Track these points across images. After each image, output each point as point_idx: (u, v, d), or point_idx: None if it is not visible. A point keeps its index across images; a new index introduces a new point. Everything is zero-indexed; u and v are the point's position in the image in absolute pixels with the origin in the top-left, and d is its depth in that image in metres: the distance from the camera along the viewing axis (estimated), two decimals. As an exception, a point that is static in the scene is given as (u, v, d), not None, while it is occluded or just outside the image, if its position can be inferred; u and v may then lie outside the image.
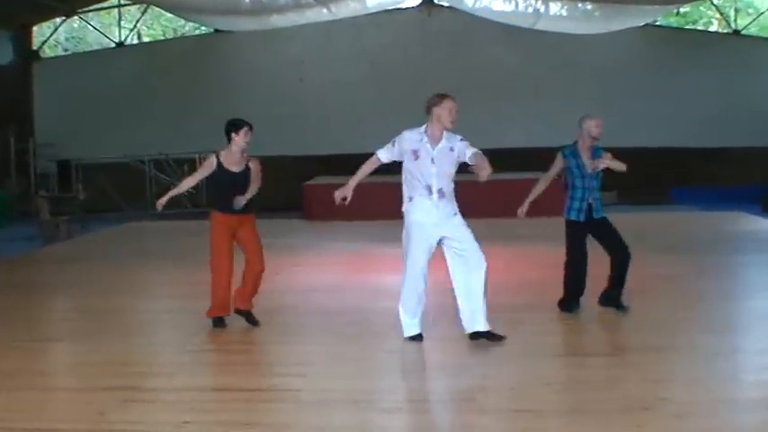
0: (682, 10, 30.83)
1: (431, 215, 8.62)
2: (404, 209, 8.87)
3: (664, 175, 26.36)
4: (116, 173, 27.31)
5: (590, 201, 9.86)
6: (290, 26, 24.28)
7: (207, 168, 9.54)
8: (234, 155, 9.48)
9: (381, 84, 26.83)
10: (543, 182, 10.18)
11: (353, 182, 9.04)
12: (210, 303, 9.63)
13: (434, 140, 8.66)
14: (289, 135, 26.62)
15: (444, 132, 8.68)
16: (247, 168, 9.56)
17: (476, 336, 8.66)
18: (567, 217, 9.98)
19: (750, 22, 30.79)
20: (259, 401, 6.99)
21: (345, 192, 9.01)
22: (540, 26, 23.28)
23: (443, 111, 8.61)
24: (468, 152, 8.65)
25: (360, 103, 26.73)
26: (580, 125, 9.86)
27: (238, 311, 9.69)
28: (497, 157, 26.51)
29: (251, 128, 9.53)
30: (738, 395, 7.03)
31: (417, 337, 8.81)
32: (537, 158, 25.81)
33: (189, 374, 7.87)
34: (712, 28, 34.31)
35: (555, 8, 23.48)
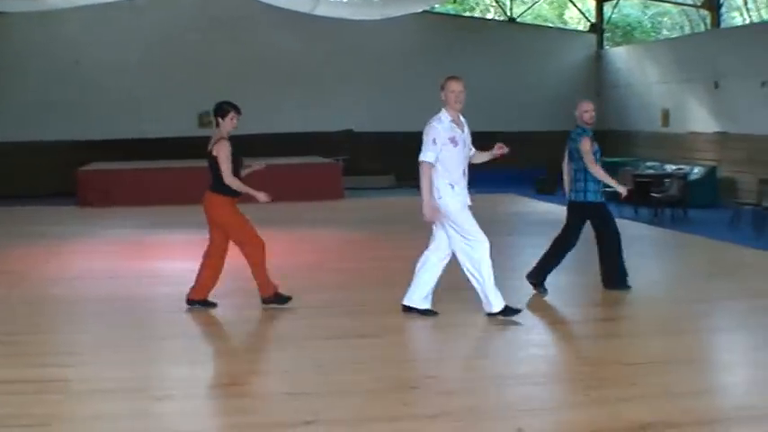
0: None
1: (466, 197, 8.76)
2: (443, 198, 8.67)
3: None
4: None
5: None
6: (66, 7, 23.53)
7: (230, 153, 9.38)
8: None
9: (160, 68, 26.33)
10: (601, 171, 9.92)
11: (426, 195, 8.62)
12: (259, 283, 9.33)
13: (459, 124, 8.74)
14: (64, 120, 25.79)
15: (459, 115, 8.77)
16: None
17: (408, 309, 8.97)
18: (587, 199, 9.98)
19: (525, 11, 31.71)
20: (28, 393, 6.74)
21: (434, 211, 8.66)
22: (320, 12, 23.31)
23: (449, 93, 8.68)
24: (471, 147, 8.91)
25: (138, 87, 26.14)
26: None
27: (190, 302, 9.38)
28: (277, 142, 26.61)
29: (238, 111, 9.43)
30: (505, 371, 7.26)
31: (510, 311, 8.70)
32: (315, 143, 26.12)
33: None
34: (489, 15, 35.25)
35: (334, -6, 23.66)
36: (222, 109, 9.40)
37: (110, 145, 25.09)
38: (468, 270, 8.70)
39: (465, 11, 35.46)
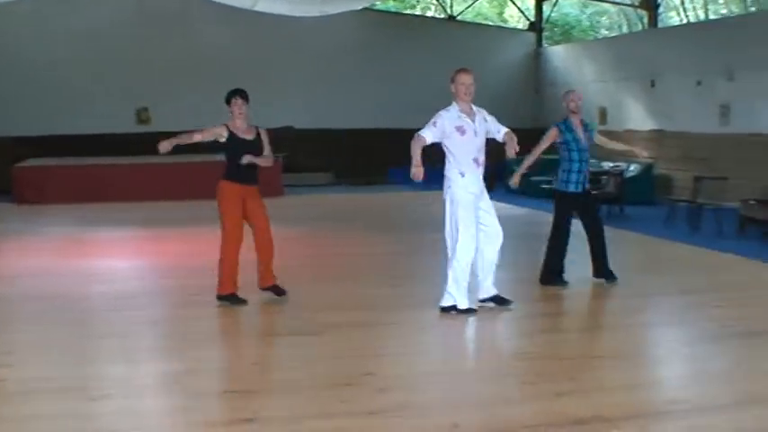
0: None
1: (477, 186, 8.98)
2: (452, 185, 8.94)
3: (381, 156, 26.88)
4: None
5: (585, 172, 10.30)
6: (1, 2, 23.25)
7: (214, 133, 9.43)
8: (240, 125, 9.48)
9: (97, 64, 26.00)
10: (533, 155, 10.50)
11: (417, 158, 8.83)
12: (219, 280, 9.33)
13: (469, 115, 8.94)
14: (-1, 115, 25.56)
15: (472, 105, 8.99)
16: (258, 137, 9.58)
17: (484, 301, 9.12)
18: (565, 189, 10.34)
19: (465, 9, 31.83)
20: (-39, 394, 6.68)
21: (418, 171, 8.80)
22: (260, 8, 23.22)
23: (458, 86, 8.93)
24: (501, 131, 9.13)
25: (74, 83, 25.81)
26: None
27: (265, 289, 9.54)
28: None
29: (243, 96, 9.50)
30: (442, 367, 7.30)
31: (471, 311, 8.86)
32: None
33: None
34: (429, 13, 35.32)
35: (274, -10, 23.52)
36: (227, 96, 9.61)
37: (46, 141, 24.74)
38: (449, 257, 8.94)
39: (405, 8, 35.51)
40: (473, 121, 8.94)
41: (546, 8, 30.85)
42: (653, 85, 23.05)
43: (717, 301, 9.73)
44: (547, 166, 14.60)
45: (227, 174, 9.47)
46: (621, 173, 19.84)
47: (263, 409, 6.14)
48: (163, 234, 15.02)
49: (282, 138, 26.62)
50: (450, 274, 8.86)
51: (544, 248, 10.45)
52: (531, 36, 30.57)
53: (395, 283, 10.41)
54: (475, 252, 8.92)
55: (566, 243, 10.35)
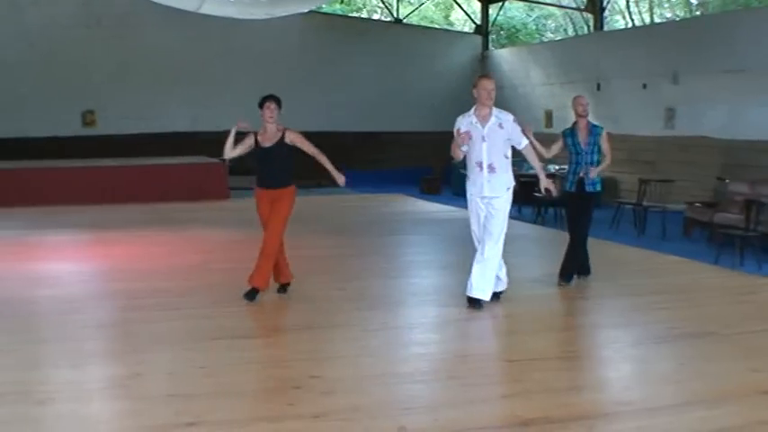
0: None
1: (481, 189, 9.30)
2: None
3: (330, 158, 26.74)
4: None
5: (581, 174, 10.63)
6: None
7: (249, 145, 9.83)
8: (268, 131, 9.74)
9: (43, 66, 25.77)
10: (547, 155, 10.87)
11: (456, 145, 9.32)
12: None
13: (483, 119, 9.23)
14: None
15: (494, 110, 9.26)
16: (281, 142, 9.69)
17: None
18: (563, 188, 11.06)
19: (411, 12, 31.93)
20: None
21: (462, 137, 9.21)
22: (206, 10, 23.11)
23: (481, 91, 9.22)
24: (522, 143, 9.45)
25: (20, 85, 25.57)
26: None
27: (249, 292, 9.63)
28: (163, 142, 26.29)
29: (275, 101, 9.76)
30: (389, 370, 7.27)
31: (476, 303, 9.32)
32: (202, 143, 25.88)
33: None
34: (376, 16, 35.37)
35: (220, -8, 23.40)
36: (260, 101, 9.83)
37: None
38: None
39: (352, 11, 35.56)
40: (483, 126, 9.21)
41: (492, 11, 31.03)
42: (599, 88, 23.25)
43: (663, 303, 9.82)
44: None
45: (256, 181, 9.95)
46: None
47: (207, 412, 6.09)
48: (109, 237, 14.88)
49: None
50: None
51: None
52: (478, 39, 30.75)
53: (341, 285, 10.39)
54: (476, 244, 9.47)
55: (574, 239, 10.78)
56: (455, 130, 9.24)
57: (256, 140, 9.69)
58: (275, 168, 9.71)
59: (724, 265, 12.84)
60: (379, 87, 28.70)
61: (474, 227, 9.51)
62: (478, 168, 9.27)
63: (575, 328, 9.06)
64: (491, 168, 9.23)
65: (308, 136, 9.78)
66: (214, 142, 25.52)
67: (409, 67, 29.20)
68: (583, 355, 7.99)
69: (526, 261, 10.54)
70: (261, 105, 9.70)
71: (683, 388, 6.73)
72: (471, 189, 9.41)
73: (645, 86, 21.42)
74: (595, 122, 10.98)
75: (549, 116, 25.39)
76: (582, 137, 10.67)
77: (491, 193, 9.27)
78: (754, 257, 13.08)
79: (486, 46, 30.70)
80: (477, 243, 9.46)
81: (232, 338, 8.24)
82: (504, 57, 30.03)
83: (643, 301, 9.90)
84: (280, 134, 9.72)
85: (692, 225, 16.60)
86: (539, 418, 5.93)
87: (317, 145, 9.79)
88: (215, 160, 23.29)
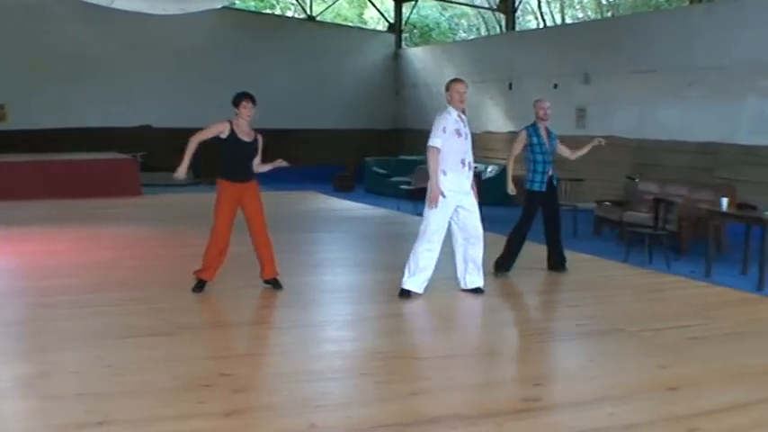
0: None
1: (459, 185, 9.61)
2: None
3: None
4: None
5: (549, 173, 11.21)
6: None
7: (218, 130, 9.72)
8: (242, 126, 9.81)
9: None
10: (512, 159, 11.53)
11: (435, 178, 9.50)
12: (201, 265, 9.83)
13: (462, 119, 9.72)
14: None
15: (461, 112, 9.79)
16: (256, 140, 9.97)
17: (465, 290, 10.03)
18: (531, 188, 11.28)
19: (325, 9, 31.92)
20: None
21: (434, 191, 9.50)
22: (117, 5, 22.85)
23: (453, 93, 9.70)
24: None
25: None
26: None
27: (266, 281, 10.16)
28: (73, 137, 25.91)
29: (251, 100, 9.83)
30: (299, 367, 7.24)
31: (406, 294, 9.72)
32: (112, 138, 25.63)
33: None
34: (289, 13, 35.30)
35: (132, -13, 23.14)
36: (234, 99, 9.90)
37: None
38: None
39: (265, 8, 35.45)
40: (465, 125, 9.75)
41: (405, 10, 31.13)
42: (510, 88, 23.47)
43: (572, 301, 9.99)
44: (405, 167, 14.65)
45: (222, 172, 9.89)
46: (479, 174, 20.09)
47: (115, 411, 6.02)
48: (17, 234, 14.63)
49: (140, 137, 26.32)
50: (411, 259, 9.71)
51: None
52: (391, 37, 30.86)
53: (253, 283, 10.34)
54: (438, 245, 9.69)
55: (525, 236, 11.35)
56: (441, 128, 9.58)
57: (233, 131, 9.74)
58: (247, 163, 9.92)
59: (633, 263, 13.04)
60: (293, 85, 28.64)
61: (442, 223, 9.65)
62: (461, 165, 9.62)
63: (484, 325, 9.16)
64: (470, 166, 9.71)
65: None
66: (125, 138, 25.27)
67: (323, 64, 29.20)
68: (491, 352, 8.05)
69: (443, 258, 10.55)
70: (237, 103, 9.79)
71: (592, 384, 6.83)
72: (451, 186, 9.55)
73: (556, 86, 21.67)
74: (528, 124, 11.42)
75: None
76: (545, 138, 11.18)
77: (467, 189, 9.69)
78: (663, 255, 13.28)
79: (399, 44, 30.81)
80: (436, 243, 9.67)
81: (141, 336, 8.16)
82: (417, 55, 30.16)
83: (552, 299, 10.07)
84: (254, 134, 9.97)
85: (603, 224, 16.82)
86: (446, 414, 5.97)
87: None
88: (127, 156, 23.09)
